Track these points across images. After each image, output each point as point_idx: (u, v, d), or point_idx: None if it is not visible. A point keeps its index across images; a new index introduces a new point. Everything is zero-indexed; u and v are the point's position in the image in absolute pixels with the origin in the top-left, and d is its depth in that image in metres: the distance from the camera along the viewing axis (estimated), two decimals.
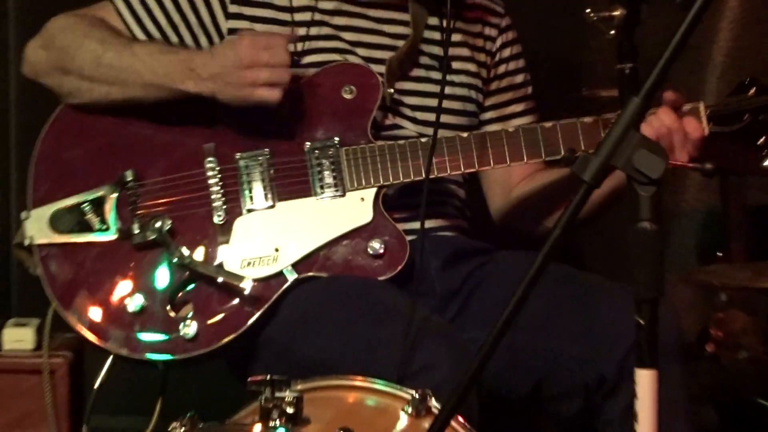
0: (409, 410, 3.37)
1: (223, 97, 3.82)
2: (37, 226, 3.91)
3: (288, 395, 3.18)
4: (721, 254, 4.80)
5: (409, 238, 3.89)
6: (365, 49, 4.07)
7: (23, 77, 4.15)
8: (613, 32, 3.30)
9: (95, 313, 3.87)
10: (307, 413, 3.21)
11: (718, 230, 4.93)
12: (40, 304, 3.97)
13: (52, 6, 4.62)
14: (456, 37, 4.19)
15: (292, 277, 3.85)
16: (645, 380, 2.67)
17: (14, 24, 5.32)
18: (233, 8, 4.05)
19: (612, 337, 3.71)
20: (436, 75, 4.08)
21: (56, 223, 3.91)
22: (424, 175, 3.83)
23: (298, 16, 4.05)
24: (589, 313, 3.82)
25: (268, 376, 3.20)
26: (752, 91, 3.82)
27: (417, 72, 4.11)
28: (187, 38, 4.05)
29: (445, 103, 3.97)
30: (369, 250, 3.87)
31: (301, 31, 4.04)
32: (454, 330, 3.81)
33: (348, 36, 4.08)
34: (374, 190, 3.89)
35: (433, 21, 4.12)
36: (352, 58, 4.05)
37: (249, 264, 3.87)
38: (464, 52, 4.21)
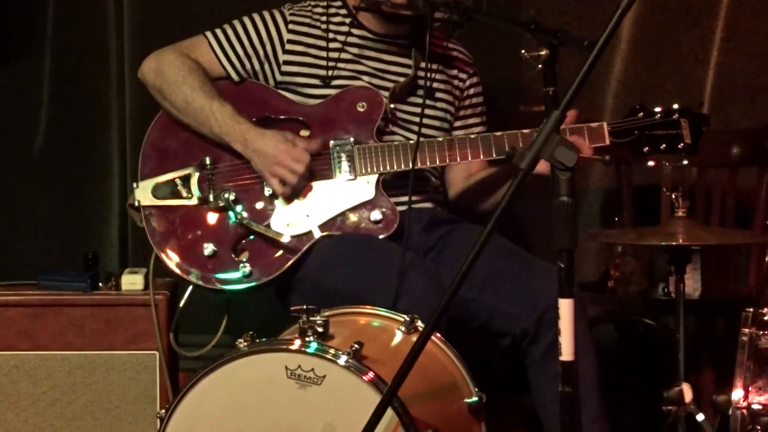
0: (402, 329, 3.79)
1: (253, 165, 4.23)
2: (143, 194, 4.27)
3: (318, 319, 3.55)
4: (616, 219, 5.03)
5: (399, 209, 4.21)
6: (376, 79, 4.37)
7: (135, 86, 4.43)
8: (540, 66, 3.77)
9: (181, 255, 4.27)
10: (332, 332, 3.58)
11: (614, 203, 5.10)
12: (145, 259, 4.34)
13: (159, 27, 5.18)
14: (440, 76, 4.45)
15: (318, 234, 4.23)
16: (565, 306, 2.91)
17: (129, 39, 5.33)
18: (289, 46, 4.37)
19: (532, 301, 3.98)
20: (417, 101, 4.31)
21: (156, 191, 4.28)
22: (411, 166, 4.13)
23: (334, 51, 4.38)
24: (518, 281, 4.08)
25: (305, 306, 3.57)
26: (641, 114, 4.10)
27: (410, 98, 4.38)
28: (257, 65, 4.36)
29: (427, 120, 4.30)
30: (371, 217, 4.22)
31: (332, 62, 4.36)
32: (429, 265, 4.18)
33: (365, 69, 4.39)
34: (376, 175, 4.23)
35: (424, 64, 4.26)
36: (365, 84, 4.35)
37: (287, 224, 4.25)
38: (444, 86, 4.48)
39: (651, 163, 4.17)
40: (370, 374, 3.47)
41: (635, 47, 5.23)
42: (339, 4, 4.48)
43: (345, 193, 4.29)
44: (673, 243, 3.98)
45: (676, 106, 4.12)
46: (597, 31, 2.99)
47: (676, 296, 4.06)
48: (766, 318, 3.96)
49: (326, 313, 3.70)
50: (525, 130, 4.18)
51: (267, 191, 4.29)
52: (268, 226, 4.28)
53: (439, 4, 4.24)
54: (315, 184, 4.30)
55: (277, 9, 4.45)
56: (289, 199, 4.28)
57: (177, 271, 4.30)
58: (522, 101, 4.85)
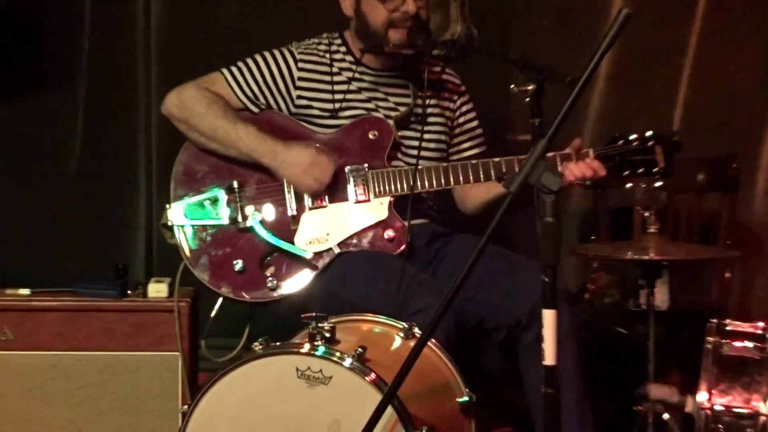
0: (401, 335, 3.79)
1: (281, 174, 4.21)
2: (175, 214, 4.24)
3: (326, 325, 3.54)
4: (593, 237, 5.02)
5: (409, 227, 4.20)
6: (378, 110, 4.36)
7: (161, 114, 4.34)
8: (527, 99, 3.76)
9: (212, 270, 4.23)
10: (338, 337, 3.57)
11: (591, 222, 5.11)
12: (168, 270, 4.35)
13: (183, 60, 5.22)
14: (434, 102, 4.44)
15: (337, 251, 4.22)
16: (548, 316, 2.93)
17: (155, 71, 5.37)
18: (300, 83, 4.35)
19: (524, 295, 3.98)
20: (415, 127, 4.34)
21: (187, 212, 4.24)
22: (411, 189, 4.15)
23: (340, 86, 4.37)
24: (511, 278, 4.07)
25: (314, 314, 3.57)
26: (620, 141, 4.10)
27: (409, 126, 4.37)
28: (271, 100, 4.36)
29: (425, 144, 4.29)
30: (385, 235, 4.22)
31: (338, 95, 4.35)
32: (437, 284, 4.09)
33: (368, 100, 4.38)
34: (389, 197, 4.23)
35: (420, 95, 4.33)
36: (375, 114, 4.35)
37: (310, 242, 4.23)
38: (438, 111, 4.46)
39: (629, 185, 4.16)
40: (372, 375, 3.49)
41: (612, 84, 5.26)
42: (339, 42, 4.49)
43: (361, 213, 4.29)
44: (645, 257, 4.01)
45: (650, 133, 4.13)
46: (578, 70, 3.02)
47: (647, 308, 4.10)
48: (728, 328, 4.00)
49: (333, 320, 3.69)
50: (520, 156, 4.17)
51: (290, 211, 4.28)
52: (292, 243, 4.27)
53: (436, 43, 4.31)
54: (333, 206, 4.29)
55: (287, 48, 4.44)
56: (317, 207, 4.28)
57: (209, 284, 4.28)
58: (510, 131, 4.83)
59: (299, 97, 4.39)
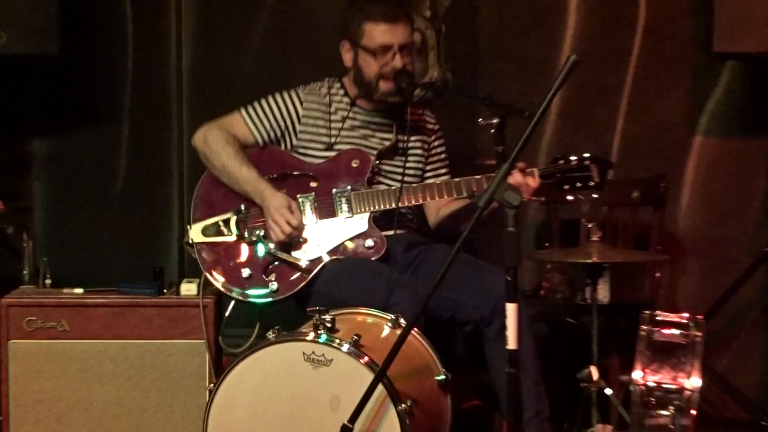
0: (390, 325, 3.87)
1: (265, 214, 4.23)
2: (195, 233, 4.30)
3: (327, 317, 3.64)
4: (547, 244, 4.98)
5: (386, 236, 4.25)
6: (364, 143, 4.38)
7: (191, 146, 4.43)
8: (493, 130, 3.84)
9: (225, 278, 4.27)
10: (337, 326, 3.66)
11: (545, 232, 5.04)
12: (197, 272, 4.33)
13: (210, 100, 5.20)
14: (414, 138, 4.43)
15: (326, 258, 4.24)
16: (511, 308, 3.01)
17: (187, 109, 5.31)
18: (304, 119, 4.39)
19: (488, 295, 4.02)
20: (400, 158, 4.36)
21: (204, 231, 4.30)
22: (395, 205, 4.18)
23: (336, 123, 4.39)
24: (477, 281, 4.09)
25: (317, 308, 3.69)
26: (561, 161, 4.09)
27: (392, 156, 4.40)
28: (279, 134, 4.39)
29: (407, 170, 4.28)
30: (366, 244, 4.24)
31: (334, 131, 4.37)
32: (410, 282, 4.18)
33: (359, 136, 4.39)
34: (368, 213, 4.24)
35: (401, 132, 4.35)
36: (357, 147, 4.36)
37: (304, 252, 4.25)
38: (417, 145, 4.47)
39: (570, 198, 4.15)
40: (366, 358, 3.56)
41: (562, 118, 5.22)
42: (339, 86, 4.48)
43: (345, 227, 4.29)
44: (589, 261, 4.00)
45: (587, 154, 4.11)
46: (534, 106, 3.13)
47: (591, 302, 4.09)
48: (658, 318, 4.00)
49: (333, 313, 3.74)
50: (477, 176, 4.16)
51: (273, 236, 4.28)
52: (290, 253, 4.27)
53: (417, 85, 4.37)
54: (322, 222, 4.29)
55: (294, 90, 4.45)
56: (279, 245, 4.26)
57: (222, 290, 4.31)
58: (478, 157, 4.81)
59: (302, 131, 4.41)
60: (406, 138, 4.35)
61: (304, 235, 4.28)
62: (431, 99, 4.65)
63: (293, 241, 4.25)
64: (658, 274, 4.83)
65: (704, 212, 5.23)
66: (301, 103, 4.43)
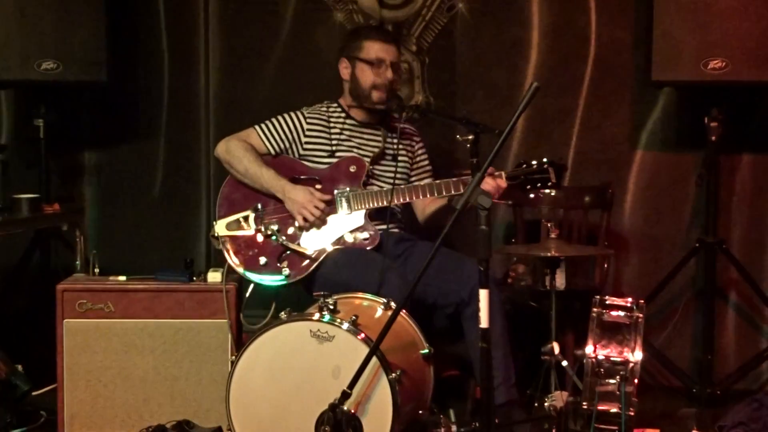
0: (382, 307, 3.90)
1: (288, 207, 4.26)
2: (220, 228, 4.31)
3: (330, 300, 3.68)
4: (513, 240, 4.97)
5: (379, 231, 4.26)
6: (361, 151, 4.40)
7: (216, 158, 4.47)
8: (468, 145, 3.84)
9: (245, 265, 4.27)
10: (339, 308, 3.70)
11: (512, 230, 5.01)
12: (221, 263, 4.33)
13: (232, 115, 5.21)
14: (401, 146, 4.45)
15: (330, 248, 4.25)
16: (483, 293, 3.05)
17: (214, 124, 5.32)
18: (308, 133, 4.40)
19: (465, 281, 4.03)
20: (389, 161, 4.40)
21: (228, 226, 4.30)
22: (387, 204, 4.21)
23: (335, 135, 4.41)
24: (455, 269, 4.11)
25: (322, 293, 3.72)
26: (524, 166, 4.11)
27: (382, 161, 4.41)
28: (287, 146, 4.41)
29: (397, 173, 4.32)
30: (362, 236, 4.26)
31: (335, 141, 4.40)
32: (399, 267, 4.20)
33: (354, 145, 4.42)
34: (364, 210, 4.27)
35: (390, 140, 4.42)
36: (355, 155, 4.38)
37: (311, 243, 4.26)
38: (403, 152, 4.48)
39: (531, 195, 4.27)
40: (362, 335, 3.60)
41: (526, 135, 5.19)
42: (335, 105, 4.52)
43: (345, 222, 4.30)
44: (548, 254, 3.99)
45: (545, 159, 4.12)
46: (503, 125, 3.15)
47: (550, 288, 4.07)
48: (607, 302, 4.00)
49: (335, 297, 3.75)
50: (453, 179, 4.20)
51: (297, 222, 4.29)
52: (299, 244, 4.28)
53: (405, 107, 4.38)
54: (327, 218, 4.29)
55: (300, 111, 4.48)
56: (308, 230, 4.27)
57: (243, 275, 4.30)
58: (455, 167, 4.78)
59: (306, 143, 4.42)
60: (396, 146, 4.39)
61: (312, 230, 4.29)
62: (416, 118, 4.62)
63: (318, 224, 4.27)
64: (605, 266, 4.80)
65: (644, 214, 5.22)
66: (305, 119, 4.44)
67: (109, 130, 5.39)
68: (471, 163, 3.85)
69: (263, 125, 4.45)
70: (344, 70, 4.45)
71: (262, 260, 4.27)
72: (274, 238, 4.28)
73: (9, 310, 5.15)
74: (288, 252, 4.27)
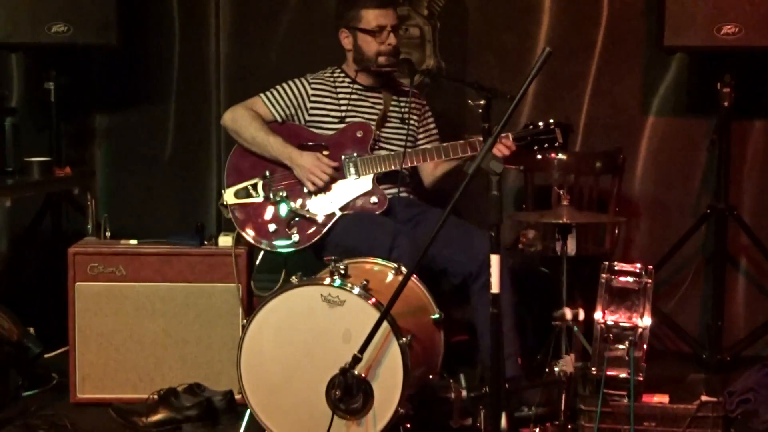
0: (393, 272, 3.89)
1: (296, 173, 4.26)
2: (228, 196, 4.32)
3: (341, 265, 3.66)
4: (524, 206, 4.95)
5: (388, 195, 4.28)
6: (365, 114, 4.40)
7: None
8: (480, 110, 3.80)
9: (255, 232, 4.29)
10: (350, 273, 3.68)
11: (522, 196, 5.01)
12: (232, 227, 4.33)
13: (243, 83, 5.20)
14: (406, 109, 4.41)
15: (339, 213, 4.27)
16: (494, 259, 3.02)
17: (224, 90, 5.32)
18: (312, 98, 4.39)
19: (474, 253, 4.03)
20: (395, 125, 4.42)
21: (236, 194, 4.31)
22: (397, 168, 4.23)
23: (343, 101, 4.40)
24: (464, 240, 4.11)
25: (333, 257, 3.71)
26: (531, 127, 4.13)
27: (388, 125, 4.41)
28: (293, 112, 4.39)
29: (403, 138, 4.36)
30: (371, 201, 4.27)
31: (342, 106, 4.38)
32: (409, 230, 4.17)
33: (361, 109, 4.41)
34: (372, 175, 4.28)
35: (396, 103, 4.43)
36: (361, 120, 4.37)
37: (320, 208, 4.27)
38: (411, 116, 4.43)
39: (539, 157, 4.30)
40: (373, 300, 3.58)
41: (537, 100, 5.17)
42: (339, 71, 4.50)
43: (354, 187, 4.31)
44: (560, 221, 3.99)
45: (551, 120, 4.12)
46: (515, 90, 3.14)
47: (561, 254, 4.06)
48: (616, 268, 4.00)
49: (346, 262, 3.73)
50: (462, 141, 4.21)
51: (305, 189, 4.30)
52: (308, 210, 4.28)
53: (417, 71, 4.46)
54: (335, 184, 4.30)
55: (303, 77, 4.46)
56: (317, 193, 4.27)
57: (253, 242, 4.31)
58: (466, 132, 4.73)
59: (312, 108, 4.41)
60: (406, 108, 4.39)
61: (320, 195, 4.30)
62: (428, 83, 4.61)
63: (325, 187, 4.27)
64: (616, 231, 4.81)
65: (655, 180, 5.20)
66: (310, 86, 4.42)
67: (120, 94, 5.39)
68: (482, 129, 3.83)
69: (268, 93, 4.43)
70: (345, 39, 4.42)
71: (272, 227, 4.27)
72: (283, 204, 4.28)
73: (21, 274, 5.21)
74: (297, 218, 4.28)
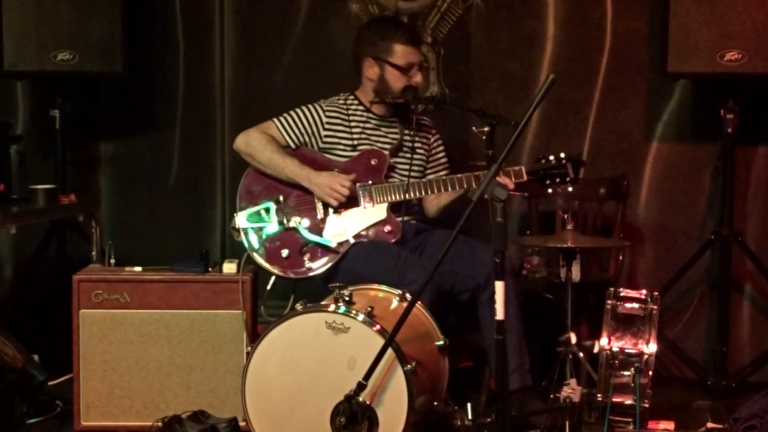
0: (397, 299, 3.88)
1: (315, 194, 4.24)
2: (240, 220, 4.30)
3: (346, 292, 3.68)
4: (528, 231, 4.95)
5: (401, 223, 4.26)
6: (379, 144, 4.38)
7: (231, 149, 4.46)
8: (484, 137, 3.83)
9: (267, 258, 4.27)
10: (354, 299, 3.70)
11: (527, 222, 5.01)
12: (236, 254, 4.36)
13: (248, 109, 5.19)
14: (418, 139, 4.44)
15: (352, 241, 4.25)
16: (499, 285, 3.07)
17: (228, 116, 5.32)
18: (327, 126, 4.37)
19: (481, 266, 4.04)
20: (406, 155, 4.37)
21: (249, 218, 4.29)
22: (406, 197, 4.22)
23: (356, 129, 4.39)
24: (472, 256, 4.11)
25: (338, 284, 3.73)
26: (543, 161, 4.12)
27: (399, 154, 4.38)
28: (306, 140, 4.37)
29: (412, 167, 4.34)
30: (385, 229, 4.25)
31: (356, 134, 4.37)
32: (425, 263, 4.08)
33: (374, 138, 4.39)
34: (386, 203, 4.27)
35: (408, 135, 4.40)
36: (375, 148, 4.37)
37: (333, 235, 4.26)
38: (420, 146, 4.45)
39: (549, 191, 4.15)
40: (378, 326, 3.59)
41: (541, 127, 5.19)
42: (353, 98, 4.48)
43: (368, 215, 4.30)
44: (564, 246, 3.99)
45: (563, 155, 4.12)
46: (518, 116, 3.15)
47: (565, 280, 4.07)
48: (621, 294, 4.00)
49: (351, 288, 3.76)
50: (472, 173, 4.18)
51: (319, 215, 4.29)
52: (322, 237, 4.27)
53: (421, 98, 4.39)
54: (348, 211, 4.29)
55: (317, 103, 4.44)
56: (337, 212, 4.27)
57: (266, 267, 4.29)
58: (470, 158, 4.81)
59: (326, 136, 4.39)
60: (412, 138, 4.37)
61: (334, 222, 4.29)
62: (432, 110, 4.62)
63: (349, 200, 4.27)
64: (620, 257, 4.82)
65: (659, 206, 5.20)
66: (324, 113, 4.40)
67: (125, 120, 5.40)
68: (486, 155, 3.85)
69: (282, 118, 4.42)
70: (369, 69, 4.39)
71: (284, 252, 4.26)
72: (297, 229, 4.27)
73: (26, 301, 5.17)
74: (310, 245, 4.28)
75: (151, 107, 5.41)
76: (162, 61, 5.37)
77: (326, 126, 4.40)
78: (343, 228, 4.28)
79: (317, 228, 4.28)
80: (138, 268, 4.36)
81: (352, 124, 4.41)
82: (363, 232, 4.28)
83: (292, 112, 4.43)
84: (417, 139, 4.46)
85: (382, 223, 4.28)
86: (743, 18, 4.53)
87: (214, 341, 4.28)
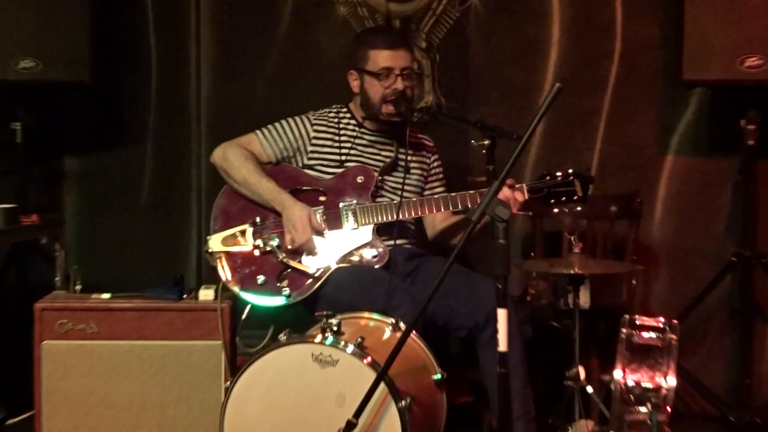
0: (390, 328, 3.84)
1: (283, 219, 4.19)
2: (214, 243, 4.27)
3: (334, 321, 3.63)
4: (532, 254, 4.91)
5: (388, 247, 4.23)
6: (371, 160, 4.37)
7: (208, 163, 4.44)
8: (484, 151, 3.83)
9: (242, 284, 4.21)
10: (343, 329, 3.64)
11: (531, 243, 4.97)
12: (214, 279, 4.28)
13: (226, 122, 5.20)
14: (414, 157, 4.44)
15: (334, 266, 4.20)
16: (501, 313, 2.99)
17: (205, 130, 5.32)
18: (314, 141, 4.35)
19: (481, 304, 3.99)
20: (399, 174, 4.34)
21: (224, 241, 4.26)
22: (396, 217, 4.16)
23: (345, 144, 4.37)
24: (471, 291, 4.07)
25: (325, 312, 3.67)
26: (547, 177, 4.08)
27: (393, 172, 4.37)
28: (291, 154, 4.37)
29: (406, 187, 4.27)
30: (371, 254, 4.21)
31: (344, 149, 4.35)
32: (410, 288, 4.14)
33: (365, 154, 4.38)
34: (372, 225, 4.22)
35: (402, 150, 4.34)
36: (364, 164, 4.34)
37: (314, 260, 4.20)
38: (417, 164, 4.45)
39: (555, 210, 4.13)
40: (369, 359, 3.54)
41: (545, 139, 5.19)
42: (345, 110, 4.48)
43: (351, 237, 4.26)
44: (571, 271, 3.97)
45: (570, 170, 4.10)
46: (521, 128, 3.14)
47: (573, 307, 4.05)
48: (637, 322, 3.96)
49: (338, 317, 3.70)
50: (470, 192, 4.15)
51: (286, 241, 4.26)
52: (300, 262, 4.23)
53: (416, 110, 4.37)
54: (331, 233, 4.26)
55: (305, 115, 4.44)
56: (320, 234, 4.22)
57: (240, 294, 4.25)
58: (469, 174, 4.81)
59: (312, 152, 4.38)
60: (406, 155, 4.31)
61: (315, 244, 4.24)
62: (427, 121, 4.60)
63: (306, 250, 4.22)
64: (633, 282, 4.80)
65: (675, 225, 5.20)
66: (312, 126, 4.41)
67: (93, 134, 5.39)
68: (486, 171, 3.84)
69: (265, 130, 4.41)
70: (354, 82, 4.42)
71: (260, 279, 4.22)
72: (274, 254, 4.24)
73: None
74: (288, 270, 4.24)
75: (120, 119, 5.39)
76: (133, 70, 5.36)
77: (313, 140, 4.40)
78: (324, 252, 4.24)
79: (296, 252, 4.24)
80: (106, 295, 4.35)
81: (342, 138, 4.41)
82: (346, 257, 4.25)
83: (277, 124, 4.43)
84: (414, 158, 4.46)
85: (367, 246, 4.26)
86: (764, 21, 4.55)
87: (190, 375, 4.25)
